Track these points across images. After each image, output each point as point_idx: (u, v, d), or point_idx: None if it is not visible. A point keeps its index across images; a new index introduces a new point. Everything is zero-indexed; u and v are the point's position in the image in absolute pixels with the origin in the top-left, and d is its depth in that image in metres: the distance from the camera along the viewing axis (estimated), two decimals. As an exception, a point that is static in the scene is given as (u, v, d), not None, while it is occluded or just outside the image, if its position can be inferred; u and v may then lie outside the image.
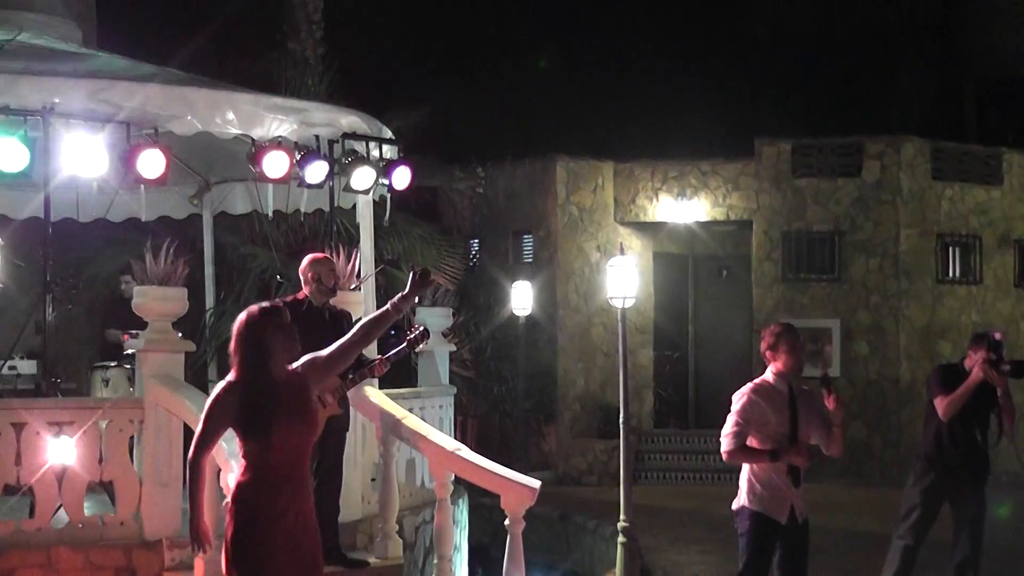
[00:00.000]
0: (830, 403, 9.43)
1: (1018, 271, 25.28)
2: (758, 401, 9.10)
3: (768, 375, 9.24)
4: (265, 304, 7.44)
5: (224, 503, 7.57)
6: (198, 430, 7.13)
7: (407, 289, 7.53)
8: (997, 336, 11.52)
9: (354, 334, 7.54)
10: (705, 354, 25.78)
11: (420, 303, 15.21)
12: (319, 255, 10.94)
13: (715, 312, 25.67)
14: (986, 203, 24.95)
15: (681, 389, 25.55)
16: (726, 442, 9.11)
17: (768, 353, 9.23)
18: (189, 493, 7.29)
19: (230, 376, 7.15)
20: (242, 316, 7.30)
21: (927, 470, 11.41)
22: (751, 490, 9.16)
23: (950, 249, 24.69)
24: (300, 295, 10.76)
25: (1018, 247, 25.26)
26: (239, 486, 7.14)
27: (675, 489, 21.38)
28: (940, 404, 11.11)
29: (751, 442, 9.07)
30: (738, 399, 9.17)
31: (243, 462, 7.11)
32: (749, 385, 9.25)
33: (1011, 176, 25.18)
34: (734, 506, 9.32)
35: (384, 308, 7.65)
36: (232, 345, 7.22)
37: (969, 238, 24.80)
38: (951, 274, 24.73)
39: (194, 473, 7.14)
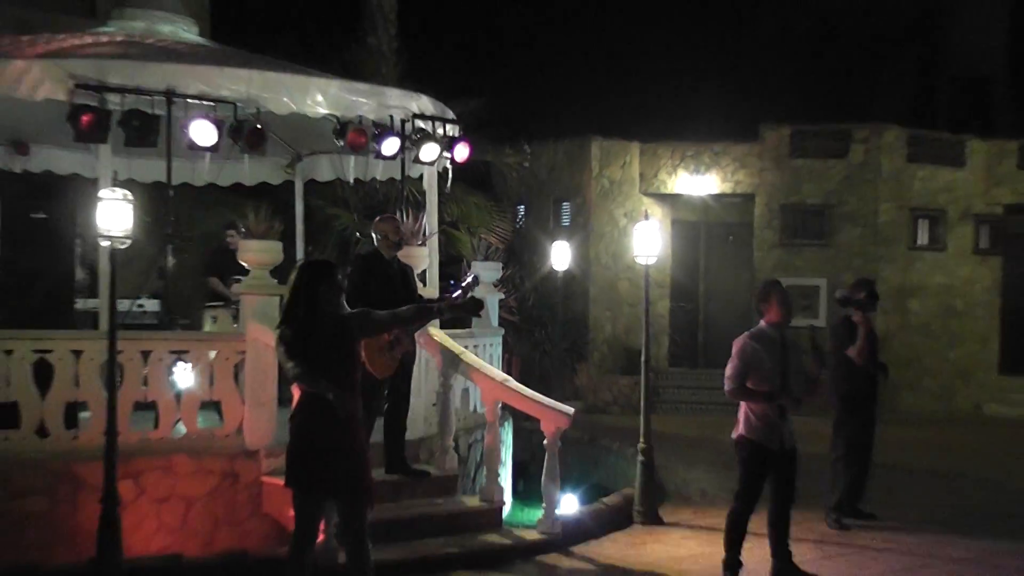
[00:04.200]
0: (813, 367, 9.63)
1: (975, 240, 25.19)
2: (755, 346, 9.17)
3: (762, 324, 9.30)
4: (317, 259, 7.57)
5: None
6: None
7: (459, 303, 7.61)
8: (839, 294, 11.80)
9: (403, 312, 7.61)
10: (713, 306, 25.70)
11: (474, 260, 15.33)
12: (386, 215, 11.06)
13: (722, 271, 25.59)
14: (952, 183, 24.82)
15: (692, 335, 25.52)
16: (728, 383, 9.19)
17: (761, 306, 9.30)
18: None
19: (284, 316, 7.28)
20: (298, 268, 7.41)
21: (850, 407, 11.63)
22: (748, 422, 9.23)
23: (920, 221, 24.62)
24: (372, 249, 10.89)
25: (976, 220, 25.14)
26: (297, 408, 7.26)
27: (685, 419, 21.43)
28: (853, 352, 11.34)
29: (749, 383, 9.13)
30: (738, 344, 9.24)
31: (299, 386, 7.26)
32: (747, 333, 9.32)
33: (973, 160, 25.07)
34: (733, 435, 9.38)
35: (434, 305, 7.77)
36: (289, 290, 7.34)
37: (937, 212, 24.72)
38: (921, 242, 24.66)
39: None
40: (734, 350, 9.22)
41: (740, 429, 9.29)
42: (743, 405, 9.25)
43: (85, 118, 10.25)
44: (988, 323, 25.32)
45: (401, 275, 10.71)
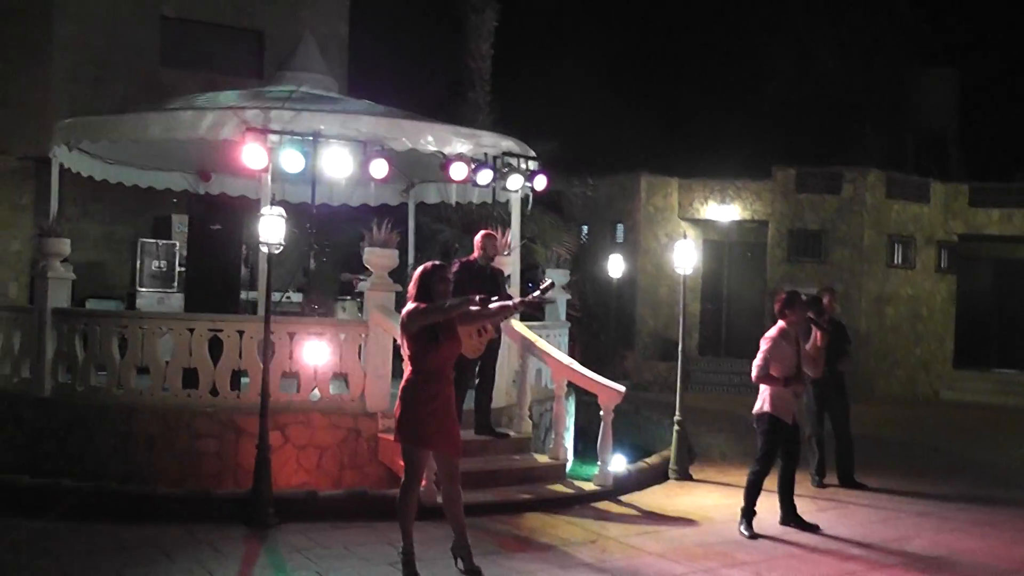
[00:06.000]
0: (818, 339, 9.49)
1: (937, 261, 25.15)
2: (781, 341, 9.08)
3: (783, 324, 9.19)
4: (434, 261, 7.56)
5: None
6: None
7: (533, 298, 7.55)
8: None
9: (487, 309, 7.51)
10: (734, 307, 25.54)
11: (548, 267, 15.27)
12: (488, 231, 11.03)
13: (741, 280, 25.42)
14: (919, 215, 24.70)
15: (717, 330, 25.40)
16: (756, 369, 9.08)
17: (786, 311, 9.18)
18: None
19: (410, 305, 7.19)
20: (420, 267, 7.42)
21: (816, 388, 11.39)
22: (770, 400, 9.13)
23: (896, 245, 24.45)
24: (472, 257, 10.88)
25: (938, 245, 25.10)
26: (408, 378, 7.23)
27: (710, 396, 21.30)
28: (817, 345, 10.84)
29: (772, 370, 9.04)
30: (767, 340, 9.12)
31: (409, 364, 7.21)
32: (774, 330, 9.18)
33: (935, 198, 25.03)
34: (755, 410, 9.26)
35: (511, 304, 7.73)
36: (411, 284, 7.31)
37: (908, 238, 24.60)
38: (896, 261, 24.49)
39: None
40: (765, 345, 9.09)
41: (763, 406, 9.17)
42: (764, 387, 9.13)
43: (253, 153, 10.40)
44: (945, 326, 25.34)
45: (492, 278, 10.73)
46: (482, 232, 10.96)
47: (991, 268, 26.11)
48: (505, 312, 7.97)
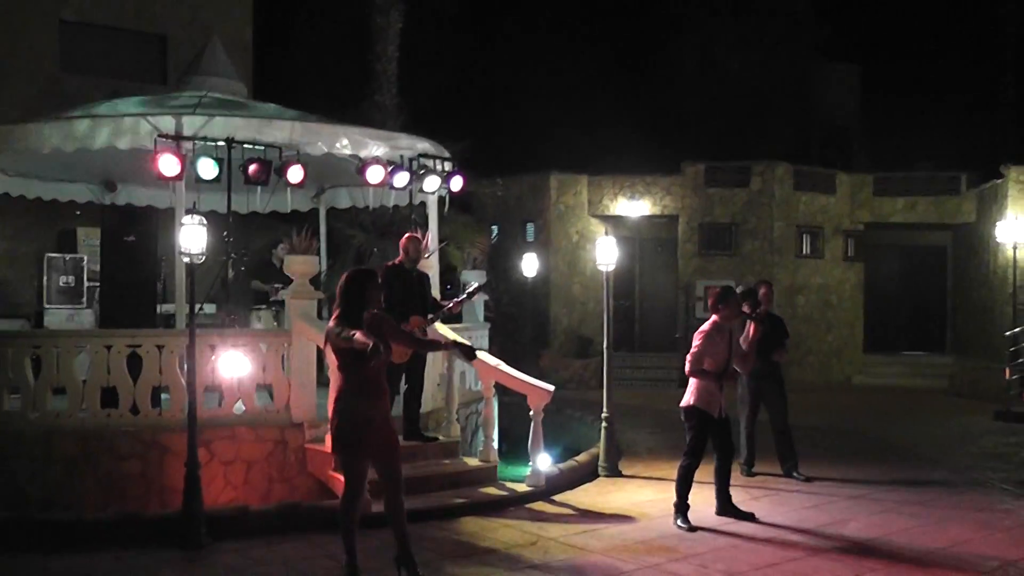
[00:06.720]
0: (751, 330, 9.60)
1: (845, 250, 25.61)
2: (714, 335, 9.13)
3: (717, 319, 9.25)
4: (362, 267, 7.40)
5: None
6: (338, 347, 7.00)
7: (457, 344, 7.48)
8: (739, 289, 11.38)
9: (415, 339, 7.55)
10: (646, 303, 25.74)
11: (464, 268, 15.22)
12: (412, 235, 10.92)
13: (652, 275, 25.61)
14: (826, 206, 25.11)
15: (630, 325, 25.48)
16: (689, 364, 9.13)
17: (719, 306, 9.23)
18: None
19: (336, 314, 7.02)
20: (346, 274, 7.27)
21: (749, 380, 11.46)
22: (697, 394, 9.19)
23: (804, 235, 24.82)
24: (396, 261, 10.77)
25: (845, 235, 25.55)
26: (340, 389, 7.07)
27: (626, 391, 21.32)
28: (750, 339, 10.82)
29: (706, 364, 9.10)
30: (700, 334, 9.14)
31: (340, 375, 7.08)
32: (708, 324, 9.21)
33: (841, 189, 25.44)
34: (682, 404, 9.28)
35: (442, 343, 7.67)
36: (338, 293, 7.15)
37: (816, 228, 24.98)
38: (805, 252, 24.87)
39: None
40: (698, 339, 9.11)
41: (690, 400, 9.23)
42: (693, 381, 9.18)
43: (167, 161, 10.14)
44: (854, 313, 25.81)
45: (419, 282, 10.66)
46: (407, 235, 10.86)
47: (897, 255, 26.85)
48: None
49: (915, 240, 26.57)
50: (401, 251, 10.70)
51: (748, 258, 23.98)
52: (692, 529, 8.99)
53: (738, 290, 11.48)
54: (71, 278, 13.82)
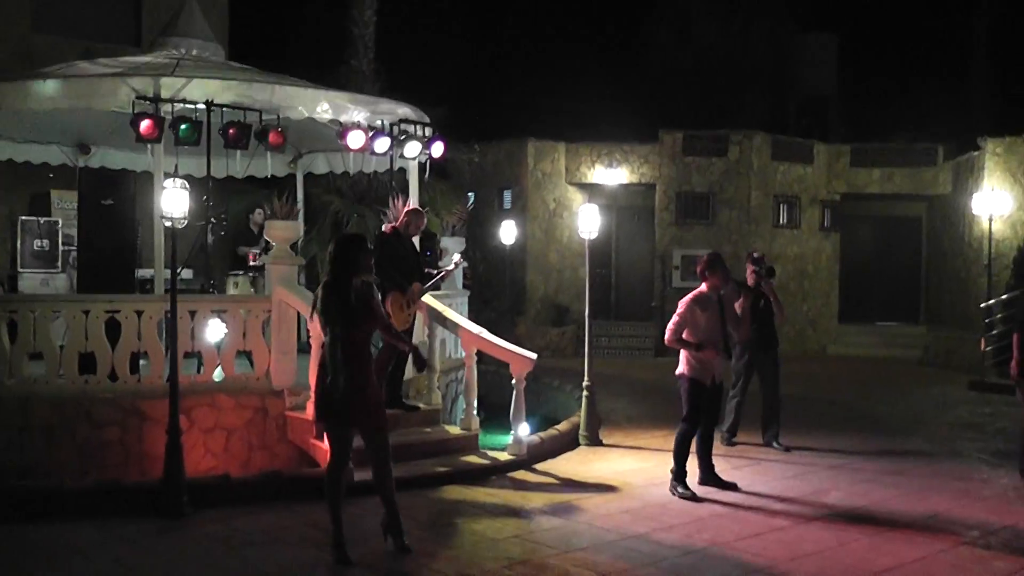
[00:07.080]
0: (739, 306, 9.59)
1: (821, 220, 25.64)
2: (695, 307, 9.10)
3: (704, 288, 9.22)
4: (353, 233, 7.31)
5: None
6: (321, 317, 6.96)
7: (419, 355, 7.38)
8: (756, 255, 11.61)
9: (389, 328, 7.42)
10: (622, 271, 25.78)
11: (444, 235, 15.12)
12: (414, 208, 10.96)
13: (629, 244, 25.63)
14: (803, 176, 25.13)
15: (606, 293, 25.53)
16: (669, 333, 9.12)
17: (706, 273, 9.20)
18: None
19: (326, 279, 6.99)
20: (336, 239, 7.18)
21: (744, 351, 11.47)
22: (687, 363, 9.19)
23: (781, 205, 24.84)
24: (388, 228, 10.74)
25: (822, 205, 25.58)
26: (322, 358, 7.03)
27: (603, 360, 21.33)
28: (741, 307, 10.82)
29: (685, 335, 9.09)
30: (682, 304, 9.11)
31: (325, 343, 6.99)
32: (691, 295, 9.18)
33: (818, 159, 25.44)
34: (676, 372, 9.30)
35: (405, 345, 7.56)
36: (329, 259, 7.05)
37: (793, 198, 24.99)
38: (781, 221, 24.90)
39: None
40: (680, 309, 9.09)
41: (682, 368, 9.22)
42: (683, 351, 9.18)
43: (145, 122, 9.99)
44: (830, 283, 25.89)
45: (413, 250, 10.74)
46: (413, 209, 10.95)
47: (872, 226, 26.94)
48: (399, 343, 7.62)
49: (891, 211, 26.66)
50: (403, 218, 10.69)
51: (725, 227, 24.01)
52: (694, 496, 8.99)
53: (755, 256, 11.53)
54: (45, 242, 13.59)
